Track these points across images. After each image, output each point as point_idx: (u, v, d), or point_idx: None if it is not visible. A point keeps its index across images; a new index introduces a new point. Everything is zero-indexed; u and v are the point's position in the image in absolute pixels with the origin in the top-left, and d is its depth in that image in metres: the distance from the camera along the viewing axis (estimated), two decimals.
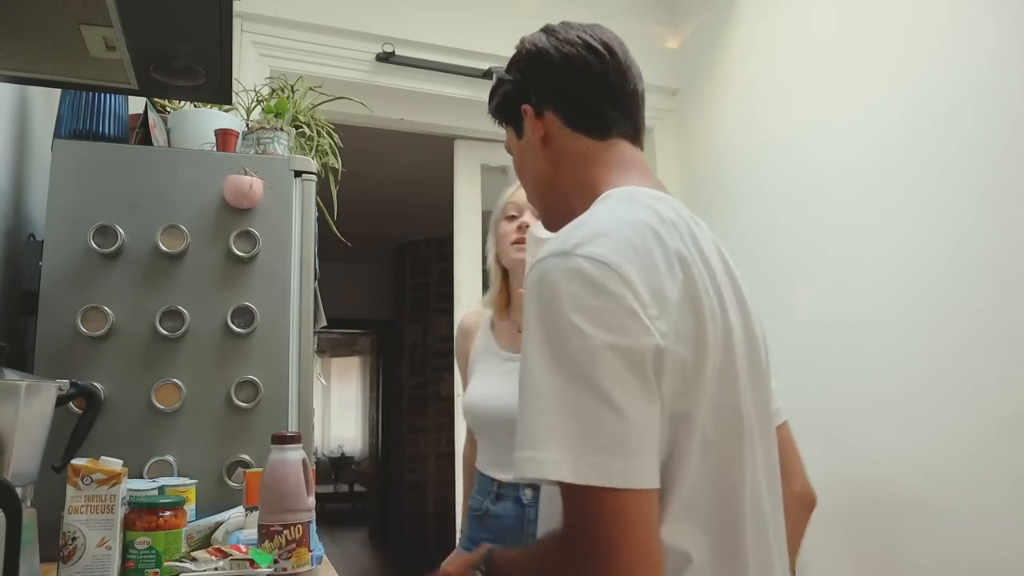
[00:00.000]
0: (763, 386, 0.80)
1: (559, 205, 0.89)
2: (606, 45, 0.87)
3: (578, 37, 0.87)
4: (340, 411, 9.40)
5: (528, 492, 1.41)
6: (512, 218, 1.50)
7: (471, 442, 1.63)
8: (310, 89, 1.92)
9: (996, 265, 1.75)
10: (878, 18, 2.14)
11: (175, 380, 1.40)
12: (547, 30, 0.91)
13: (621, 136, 0.87)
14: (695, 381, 0.67)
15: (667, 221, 0.74)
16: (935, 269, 1.89)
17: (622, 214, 0.74)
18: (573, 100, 0.87)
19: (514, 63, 0.93)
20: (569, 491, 0.62)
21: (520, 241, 1.47)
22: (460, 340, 1.66)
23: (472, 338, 1.61)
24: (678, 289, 0.68)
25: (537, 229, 1.33)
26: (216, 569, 0.99)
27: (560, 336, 0.64)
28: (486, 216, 2.23)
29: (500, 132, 0.98)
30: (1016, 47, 1.74)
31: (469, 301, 2.72)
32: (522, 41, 0.92)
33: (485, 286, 1.91)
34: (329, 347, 9.16)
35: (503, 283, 1.57)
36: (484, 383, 1.51)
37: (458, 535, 1.78)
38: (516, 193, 1.53)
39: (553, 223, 0.91)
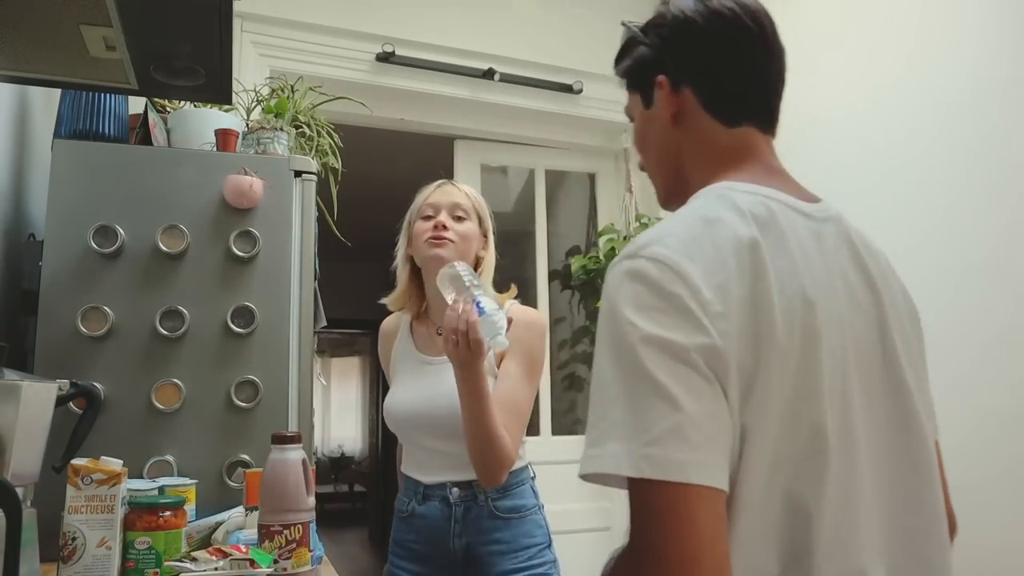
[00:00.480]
0: (894, 397, 0.75)
1: (678, 185, 0.85)
2: (757, 19, 0.80)
3: (728, 9, 0.79)
4: (340, 411, 9.39)
5: (456, 491, 1.42)
6: (428, 218, 1.49)
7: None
8: (310, 89, 1.92)
9: (997, 265, 1.75)
10: (880, 20, 2.14)
11: (175, 380, 1.40)
12: None
13: (752, 124, 0.82)
14: (754, 388, 0.64)
15: (747, 215, 0.70)
16: (935, 268, 1.89)
17: (699, 212, 0.72)
18: (715, 79, 0.81)
19: (654, 26, 0.84)
20: (630, 486, 0.61)
21: (436, 239, 1.45)
22: (380, 344, 1.65)
23: (391, 342, 1.60)
24: (744, 288, 0.66)
25: (458, 267, 1.33)
26: (216, 569, 0.99)
27: (619, 333, 0.64)
28: None
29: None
30: (1015, 47, 1.74)
31: None
32: (666, 3, 0.84)
33: None
34: (329, 347, 9.14)
35: (411, 284, 1.56)
36: (401, 387, 1.51)
37: None
38: (432, 195, 1.52)
39: (670, 201, 0.88)
